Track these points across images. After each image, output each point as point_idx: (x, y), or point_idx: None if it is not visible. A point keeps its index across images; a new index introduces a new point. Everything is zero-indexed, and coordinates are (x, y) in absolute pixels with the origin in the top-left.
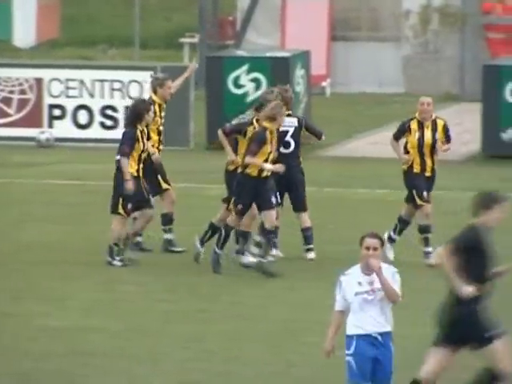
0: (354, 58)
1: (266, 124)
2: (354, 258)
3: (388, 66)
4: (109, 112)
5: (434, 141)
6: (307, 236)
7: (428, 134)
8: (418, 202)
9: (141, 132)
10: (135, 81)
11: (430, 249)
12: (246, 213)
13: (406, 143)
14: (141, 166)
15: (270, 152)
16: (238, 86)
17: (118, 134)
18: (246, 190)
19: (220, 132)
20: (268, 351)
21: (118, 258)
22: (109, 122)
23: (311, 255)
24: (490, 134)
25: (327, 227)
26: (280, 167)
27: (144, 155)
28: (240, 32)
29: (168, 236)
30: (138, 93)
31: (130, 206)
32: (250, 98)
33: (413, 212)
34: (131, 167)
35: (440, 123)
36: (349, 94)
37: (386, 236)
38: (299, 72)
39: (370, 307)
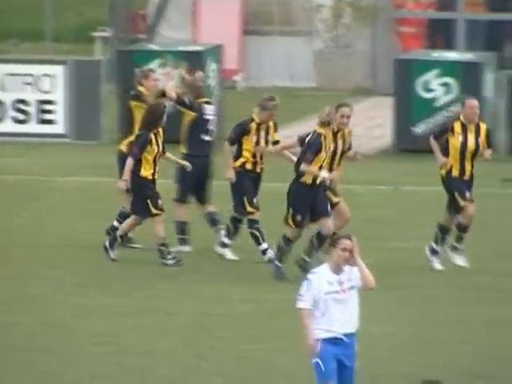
0: (266, 52)
1: (320, 130)
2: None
3: (300, 60)
4: (21, 106)
5: (477, 146)
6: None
7: (471, 137)
8: (462, 202)
9: (155, 135)
10: (47, 74)
11: (461, 246)
12: (304, 224)
13: (447, 145)
14: (156, 169)
15: (325, 159)
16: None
17: (29, 128)
18: (302, 200)
19: (227, 144)
20: (181, 345)
21: (169, 257)
22: (21, 117)
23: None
24: (401, 128)
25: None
26: (332, 176)
27: (159, 158)
28: (152, 26)
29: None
30: (50, 86)
31: (160, 201)
32: None
33: (453, 219)
34: (146, 170)
35: (483, 127)
36: (261, 88)
37: (427, 251)
38: (211, 66)
39: (339, 307)
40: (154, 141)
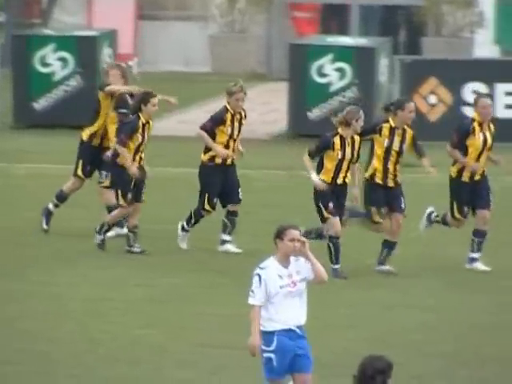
0: (161, 37)
1: (339, 129)
2: (169, 236)
3: (195, 45)
4: None
5: (492, 143)
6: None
7: (488, 136)
8: (373, 216)
9: (143, 125)
10: None
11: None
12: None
13: (466, 147)
14: (136, 158)
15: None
16: (45, 65)
17: None
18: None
19: (200, 131)
20: (76, 330)
21: (136, 246)
22: None
23: None
24: (296, 113)
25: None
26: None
27: (142, 149)
28: (46, 11)
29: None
30: None
31: (129, 196)
32: (56, 78)
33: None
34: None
35: (492, 126)
36: (156, 73)
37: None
38: (106, 51)
39: (291, 300)
40: (141, 130)
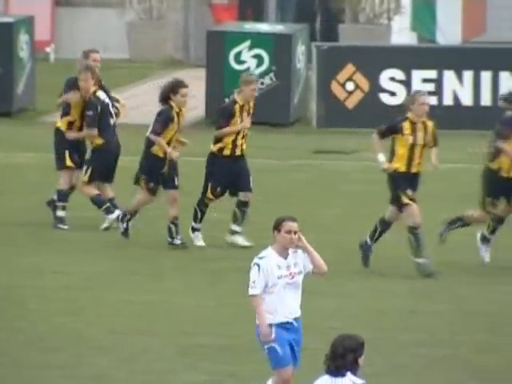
0: (78, 24)
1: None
2: (86, 223)
3: (113, 32)
4: None
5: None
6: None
7: None
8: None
9: (177, 113)
10: None
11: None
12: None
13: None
14: (171, 145)
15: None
16: None
17: None
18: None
19: (218, 132)
20: None
21: (178, 237)
22: None
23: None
24: (214, 100)
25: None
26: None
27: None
28: None
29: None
30: None
31: (152, 184)
32: None
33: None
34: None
35: (429, 125)
36: (73, 60)
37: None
38: (23, 37)
39: (288, 292)
40: (176, 119)
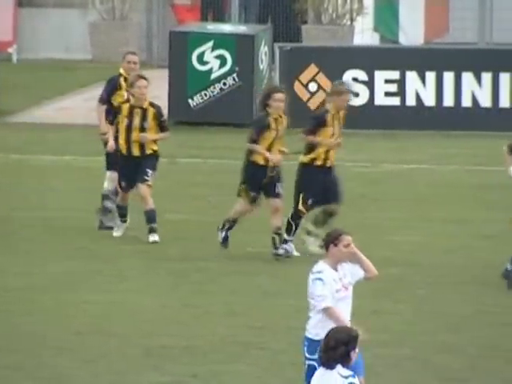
0: (41, 24)
1: None
2: (46, 224)
3: (75, 33)
4: None
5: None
6: None
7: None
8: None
9: (275, 119)
10: None
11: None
12: None
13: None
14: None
15: None
16: None
17: None
18: None
19: (306, 137)
20: None
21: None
22: None
23: None
24: (177, 101)
25: (16, 193)
26: None
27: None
28: None
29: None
30: None
31: (253, 194)
32: None
33: None
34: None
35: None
36: (36, 60)
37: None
38: None
39: (342, 305)
40: (273, 125)
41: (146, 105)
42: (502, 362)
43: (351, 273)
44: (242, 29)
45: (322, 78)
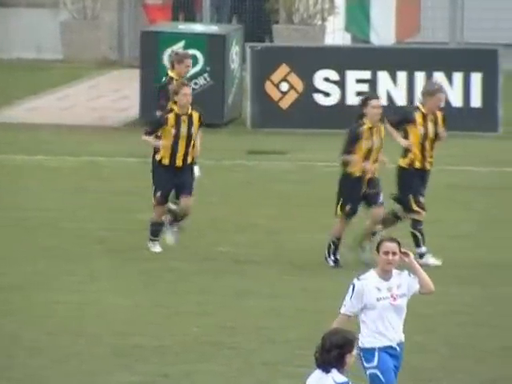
0: (12, 24)
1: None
2: (17, 224)
3: (46, 32)
4: None
5: None
6: None
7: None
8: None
9: (369, 128)
10: None
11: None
12: None
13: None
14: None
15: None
16: None
17: None
18: None
19: (405, 143)
20: None
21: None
22: None
23: None
24: (148, 101)
25: None
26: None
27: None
28: None
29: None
30: None
31: (348, 207)
32: None
33: None
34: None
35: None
36: (7, 60)
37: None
38: None
39: (390, 315)
40: (367, 134)
41: (189, 111)
42: (474, 361)
43: (409, 284)
44: (213, 29)
45: (294, 78)
